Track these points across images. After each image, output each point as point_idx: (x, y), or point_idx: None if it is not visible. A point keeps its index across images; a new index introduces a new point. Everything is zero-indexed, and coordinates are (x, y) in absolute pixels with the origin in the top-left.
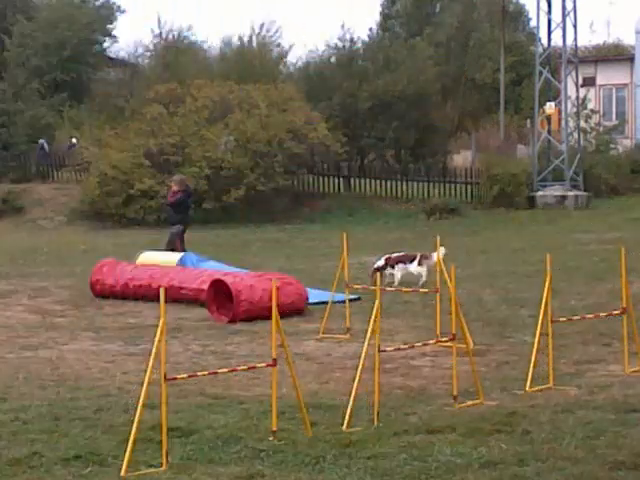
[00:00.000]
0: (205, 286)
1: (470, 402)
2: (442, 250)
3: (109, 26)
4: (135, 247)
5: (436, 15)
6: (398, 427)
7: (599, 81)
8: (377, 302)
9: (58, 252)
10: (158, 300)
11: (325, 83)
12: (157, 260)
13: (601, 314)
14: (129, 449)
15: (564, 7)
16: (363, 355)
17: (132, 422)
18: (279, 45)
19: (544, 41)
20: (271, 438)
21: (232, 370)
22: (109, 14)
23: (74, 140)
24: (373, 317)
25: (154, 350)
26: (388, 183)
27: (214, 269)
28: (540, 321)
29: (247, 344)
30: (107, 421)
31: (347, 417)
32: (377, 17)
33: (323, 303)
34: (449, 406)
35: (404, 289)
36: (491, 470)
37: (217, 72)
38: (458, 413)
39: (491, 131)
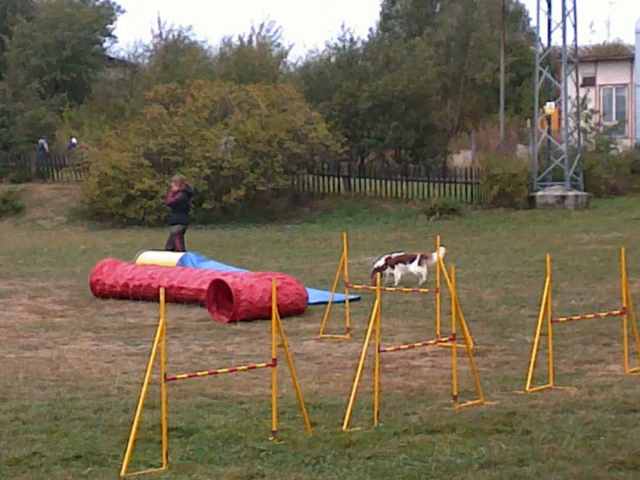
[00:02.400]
0: (205, 286)
1: (470, 402)
2: (442, 250)
3: (109, 26)
4: (135, 247)
5: (436, 15)
6: (398, 427)
7: (599, 81)
8: (377, 302)
9: (58, 252)
10: (158, 300)
11: (325, 83)
12: (156, 260)
13: (601, 314)
14: (129, 449)
15: (564, 7)
16: (363, 355)
17: (132, 422)
18: (279, 45)
19: (544, 41)
20: (271, 438)
21: (232, 370)
22: (109, 14)
23: (74, 140)
24: (373, 317)
25: (154, 350)
26: (388, 183)
27: (214, 269)
28: (540, 321)
29: (247, 344)
30: (107, 421)
31: (347, 417)
32: (377, 17)
33: (323, 303)
34: (449, 406)
35: (404, 289)
36: (491, 470)
37: (217, 72)
38: (458, 413)
39: (491, 131)
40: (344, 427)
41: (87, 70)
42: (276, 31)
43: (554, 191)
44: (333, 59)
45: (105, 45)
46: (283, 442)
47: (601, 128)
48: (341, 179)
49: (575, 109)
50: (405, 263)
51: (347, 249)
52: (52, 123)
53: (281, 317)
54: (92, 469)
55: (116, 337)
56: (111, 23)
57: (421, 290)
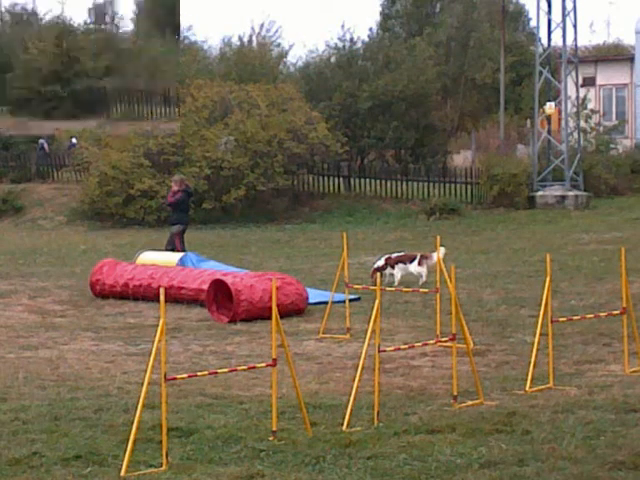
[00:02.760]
0: (205, 286)
1: (470, 402)
2: (442, 250)
3: None
4: (135, 247)
5: (436, 15)
6: (398, 427)
7: (599, 81)
8: (377, 302)
9: (58, 252)
10: (158, 300)
11: (325, 83)
12: (156, 260)
13: (601, 314)
14: (129, 449)
15: (564, 7)
16: (363, 355)
17: (132, 422)
18: (279, 45)
19: (544, 41)
20: (271, 438)
21: (232, 370)
22: None
23: (74, 140)
24: (373, 317)
25: (154, 350)
26: (388, 183)
27: (214, 269)
28: (540, 321)
29: (247, 344)
30: (107, 421)
31: (347, 417)
32: (377, 17)
33: (323, 303)
34: (449, 406)
35: (404, 289)
36: (491, 470)
37: (217, 72)
38: (458, 413)
39: (491, 131)
40: (344, 427)
41: None
42: (276, 31)
43: (554, 191)
44: (333, 59)
45: None
46: (283, 442)
47: (601, 128)
48: (341, 179)
49: (575, 109)
50: (405, 263)
51: (347, 249)
52: None
53: (281, 317)
54: (92, 469)
55: (116, 337)
56: None
57: (421, 290)
